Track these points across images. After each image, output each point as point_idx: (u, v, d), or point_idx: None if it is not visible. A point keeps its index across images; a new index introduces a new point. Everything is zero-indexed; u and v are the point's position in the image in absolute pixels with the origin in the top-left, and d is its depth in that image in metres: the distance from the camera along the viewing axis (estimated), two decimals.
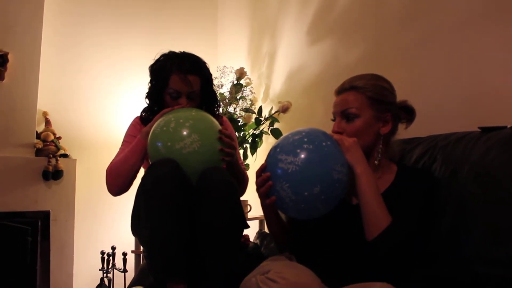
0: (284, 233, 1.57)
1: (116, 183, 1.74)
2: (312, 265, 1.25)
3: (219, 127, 1.64)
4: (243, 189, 1.91)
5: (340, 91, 1.47)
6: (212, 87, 1.92)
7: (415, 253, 1.33)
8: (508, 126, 1.45)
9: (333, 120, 1.48)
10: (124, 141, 1.88)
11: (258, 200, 1.38)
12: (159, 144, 1.56)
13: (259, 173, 1.32)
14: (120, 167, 1.73)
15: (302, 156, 1.23)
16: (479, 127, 1.52)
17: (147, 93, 1.90)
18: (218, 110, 1.99)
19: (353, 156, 1.30)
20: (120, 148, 1.86)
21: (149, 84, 1.88)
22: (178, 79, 1.76)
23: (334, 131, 1.43)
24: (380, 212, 1.28)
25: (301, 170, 1.22)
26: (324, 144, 1.27)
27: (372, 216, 1.28)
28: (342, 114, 1.43)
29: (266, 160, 1.32)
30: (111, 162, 1.79)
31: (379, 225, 1.26)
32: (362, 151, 1.33)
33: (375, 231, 1.26)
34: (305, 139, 1.27)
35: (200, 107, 1.85)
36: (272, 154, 1.30)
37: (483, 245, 1.31)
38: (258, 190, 1.33)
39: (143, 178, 1.51)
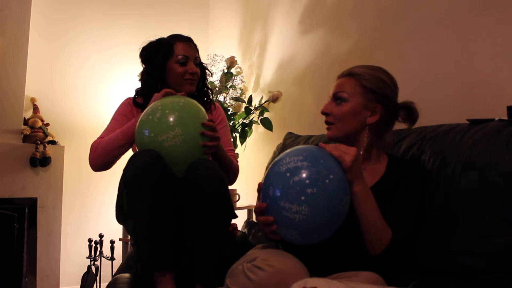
0: None
1: (101, 160, 1.74)
2: (298, 253, 1.25)
3: (206, 118, 1.60)
4: (231, 179, 1.90)
5: (340, 76, 1.49)
6: (201, 61, 1.96)
7: (411, 246, 1.35)
8: (496, 118, 1.46)
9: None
10: (113, 118, 1.87)
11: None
12: (143, 133, 1.54)
13: (259, 213, 1.23)
14: (107, 146, 1.72)
15: (308, 204, 1.12)
16: (467, 119, 1.53)
17: (145, 72, 1.89)
18: (207, 87, 2.01)
19: (353, 174, 1.23)
20: (108, 125, 1.85)
21: (145, 65, 1.89)
22: (184, 45, 1.84)
23: (321, 112, 1.45)
24: (380, 228, 1.26)
25: (308, 219, 1.12)
26: (327, 181, 1.15)
27: (374, 234, 1.26)
28: (334, 97, 1.44)
29: (264, 199, 1.20)
30: (99, 138, 1.79)
31: (382, 241, 1.25)
32: (360, 166, 1.28)
33: (378, 247, 1.26)
34: (307, 181, 1.13)
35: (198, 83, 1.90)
36: (273, 197, 1.16)
37: (469, 237, 1.32)
38: (261, 228, 1.28)
39: (125, 169, 1.50)
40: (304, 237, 1.17)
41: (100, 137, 1.80)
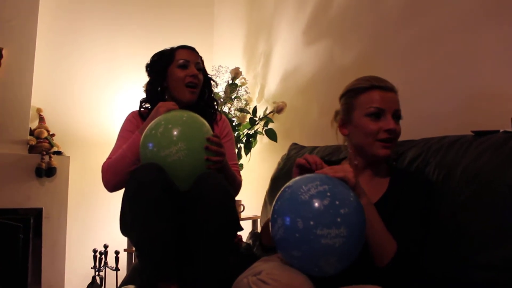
0: None
1: (114, 180, 1.71)
2: None
3: (210, 133, 1.59)
4: (234, 192, 1.87)
5: (387, 88, 1.42)
6: (206, 72, 1.98)
7: (418, 258, 1.34)
8: (501, 130, 1.46)
9: (374, 116, 1.40)
10: (120, 136, 1.86)
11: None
12: (147, 147, 1.53)
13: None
14: (117, 164, 1.70)
15: (345, 225, 1.08)
16: (472, 131, 1.53)
17: (149, 81, 1.92)
18: (213, 98, 2.01)
19: (359, 190, 1.24)
20: (115, 144, 1.84)
21: (149, 74, 1.92)
22: (185, 50, 1.88)
23: (390, 129, 1.38)
24: (386, 241, 1.27)
25: (348, 240, 1.08)
26: (351, 199, 1.14)
27: (380, 246, 1.26)
28: (395, 113, 1.41)
29: (289, 234, 1.12)
30: (107, 159, 1.77)
31: (387, 253, 1.26)
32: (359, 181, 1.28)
33: (385, 259, 1.26)
34: (337, 202, 1.10)
35: (202, 92, 1.91)
36: (305, 229, 1.08)
37: (473, 248, 1.32)
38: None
39: (127, 184, 1.50)
40: (341, 263, 1.12)
41: (109, 158, 1.78)
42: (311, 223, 1.07)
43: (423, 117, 1.56)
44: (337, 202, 1.10)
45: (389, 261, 1.25)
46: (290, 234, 1.11)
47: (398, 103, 1.42)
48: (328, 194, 1.10)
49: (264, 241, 1.50)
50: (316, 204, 1.09)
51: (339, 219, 1.07)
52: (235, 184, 1.83)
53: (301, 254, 1.11)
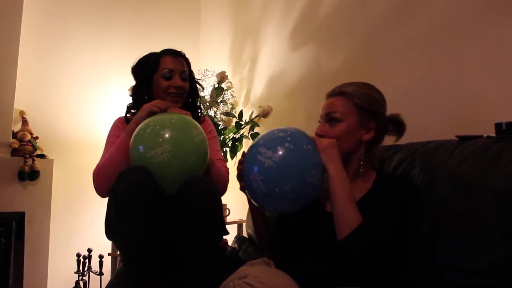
0: (267, 235, 1.59)
1: (106, 185, 1.64)
2: (290, 270, 1.24)
3: (201, 135, 1.58)
4: (217, 180, 1.79)
5: (330, 94, 1.49)
6: (193, 76, 1.97)
7: (392, 259, 1.34)
8: (485, 135, 1.48)
9: (320, 122, 1.49)
10: (108, 142, 1.83)
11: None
12: (135, 148, 1.52)
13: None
14: (107, 168, 1.66)
15: (281, 153, 1.26)
16: (456, 136, 1.55)
17: (135, 86, 1.89)
18: (199, 105, 2.00)
19: (327, 156, 1.31)
20: (104, 151, 1.80)
21: (135, 79, 1.89)
22: (170, 58, 1.83)
23: (316, 134, 1.44)
24: (351, 213, 1.28)
25: (276, 167, 1.25)
26: (305, 147, 1.29)
27: (343, 217, 1.28)
28: (327, 117, 1.44)
29: (248, 149, 1.36)
30: (97, 165, 1.73)
31: (349, 225, 1.27)
32: (339, 153, 1.34)
33: (345, 231, 1.26)
34: (288, 138, 1.29)
35: (187, 98, 1.89)
36: (255, 145, 1.33)
37: (458, 253, 1.32)
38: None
39: (114, 186, 1.48)
40: (265, 185, 1.27)
41: (98, 164, 1.73)
42: (260, 142, 1.33)
43: (409, 122, 1.58)
44: (288, 138, 1.30)
45: (349, 233, 1.25)
46: (249, 148, 1.36)
47: (333, 106, 1.44)
48: (288, 132, 1.32)
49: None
50: (273, 133, 1.33)
51: (279, 147, 1.27)
52: (214, 168, 1.78)
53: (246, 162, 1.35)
